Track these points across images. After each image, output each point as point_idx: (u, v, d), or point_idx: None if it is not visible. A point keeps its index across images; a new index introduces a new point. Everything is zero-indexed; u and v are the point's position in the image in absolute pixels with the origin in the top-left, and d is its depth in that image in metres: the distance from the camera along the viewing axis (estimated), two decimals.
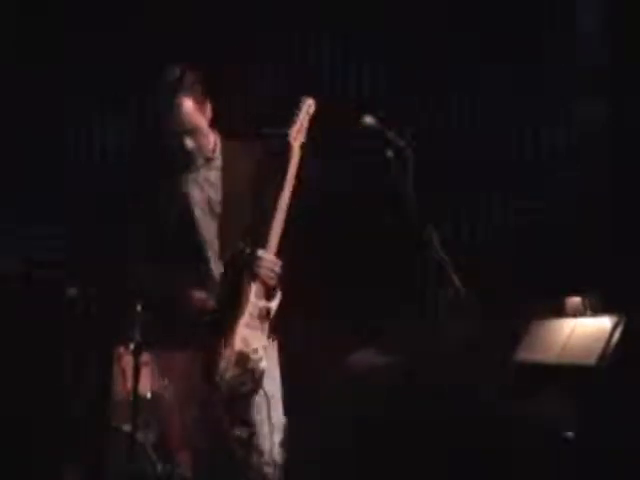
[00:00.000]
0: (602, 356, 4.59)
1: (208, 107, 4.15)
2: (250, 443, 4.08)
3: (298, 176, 4.04)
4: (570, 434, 4.46)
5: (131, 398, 4.65)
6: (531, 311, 4.96)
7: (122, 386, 5.04)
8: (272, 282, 3.97)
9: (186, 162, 4.17)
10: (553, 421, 4.51)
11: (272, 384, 4.15)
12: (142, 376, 4.73)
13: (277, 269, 3.98)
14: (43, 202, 5.84)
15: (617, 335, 4.63)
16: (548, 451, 4.47)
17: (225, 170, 4.21)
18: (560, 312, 4.97)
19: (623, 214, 5.57)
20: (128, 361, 4.90)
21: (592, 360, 4.61)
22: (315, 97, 4.24)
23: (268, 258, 3.94)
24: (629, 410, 4.49)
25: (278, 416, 4.15)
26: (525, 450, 4.46)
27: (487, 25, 5.88)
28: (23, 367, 5.20)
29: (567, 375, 4.64)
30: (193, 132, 4.11)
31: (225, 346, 3.91)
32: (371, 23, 5.93)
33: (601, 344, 4.63)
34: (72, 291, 5.10)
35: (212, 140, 4.20)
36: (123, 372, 5.03)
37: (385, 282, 5.50)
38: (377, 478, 4.89)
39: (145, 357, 4.78)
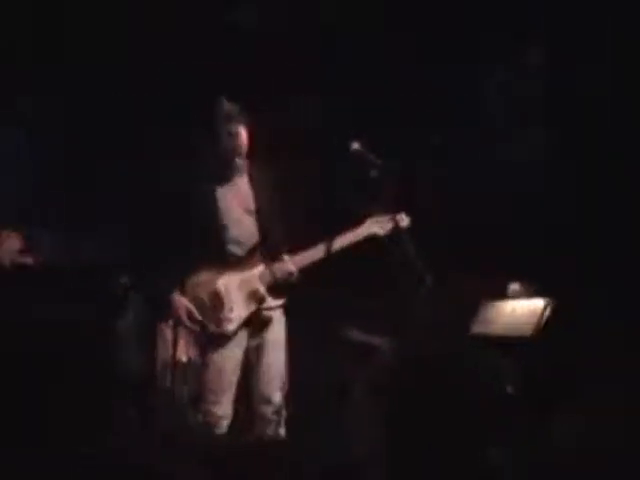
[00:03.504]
0: (536, 329, 5.24)
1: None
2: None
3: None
4: (510, 389, 5.08)
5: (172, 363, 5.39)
6: (482, 293, 5.58)
7: (164, 353, 5.58)
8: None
9: (228, 175, 4.67)
10: (498, 379, 5.06)
11: (276, 354, 4.78)
12: (179, 345, 5.40)
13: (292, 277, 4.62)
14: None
15: (547, 313, 5.27)
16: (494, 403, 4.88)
17: (253, 183, 4.76)
18: (503, 295, 5.66)
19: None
20: (169, 334, 5.49)
21: (528, 332, 5.25)
22: None
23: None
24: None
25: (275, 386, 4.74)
26: (475, 402, 4.75)
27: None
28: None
29: (509, 343, 5.28)
30: (242, 154, 4.68)
31: None
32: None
33: (535, 319, 5.25)
34: (125, 279, 5.74)
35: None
36: (165, 342, 5.57)
37: (353, 272, 5.70)
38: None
39: (182, 331, 5.26)
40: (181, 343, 5.36)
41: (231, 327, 4.66)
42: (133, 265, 5.67)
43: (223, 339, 4.72)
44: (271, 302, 4.74)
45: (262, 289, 4.66)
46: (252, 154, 4.73)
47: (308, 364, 5.30)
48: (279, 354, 4.83)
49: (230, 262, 4.67)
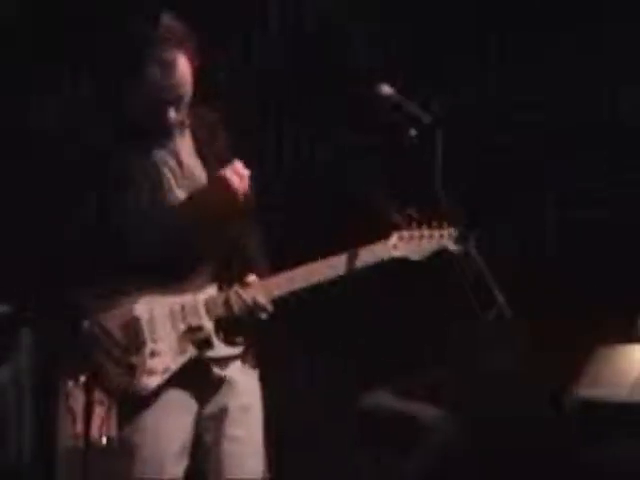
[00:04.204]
0: None
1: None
2: None
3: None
4: None
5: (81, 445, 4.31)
6: (596, 333, 4.73)
7: (70, 430, 4.54)
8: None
9: (155, 139, 3.68)
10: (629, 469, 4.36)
11: (249, 432, 3.77)
12: (96, 417, 4.30)
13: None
14: None
15: None
16: None
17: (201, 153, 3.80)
18: (632, 335, 4.76)
19: None
20: (78, 398, 4.42)
21: None
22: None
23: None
24: None
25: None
26: None
27: None
28: None
29: None
30: (181, 102, 3.64)
31: None
32: None
33: None
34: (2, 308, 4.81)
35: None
36: (71, 412, 4.52)
37: (405, 305, 5.17)
38: None
39: (99, 393, 4.24)
40: (97, 413, 4.25)
41: (151, 382, 3.63)
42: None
43: (150, 401, 3.68)
44: (222, 349, 3.69)
45: (208, 326, 3.64)
46: (199, 103, 3.72)
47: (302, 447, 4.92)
48: (253, 432, 3.78)
49: (163, 278, 3.66)
